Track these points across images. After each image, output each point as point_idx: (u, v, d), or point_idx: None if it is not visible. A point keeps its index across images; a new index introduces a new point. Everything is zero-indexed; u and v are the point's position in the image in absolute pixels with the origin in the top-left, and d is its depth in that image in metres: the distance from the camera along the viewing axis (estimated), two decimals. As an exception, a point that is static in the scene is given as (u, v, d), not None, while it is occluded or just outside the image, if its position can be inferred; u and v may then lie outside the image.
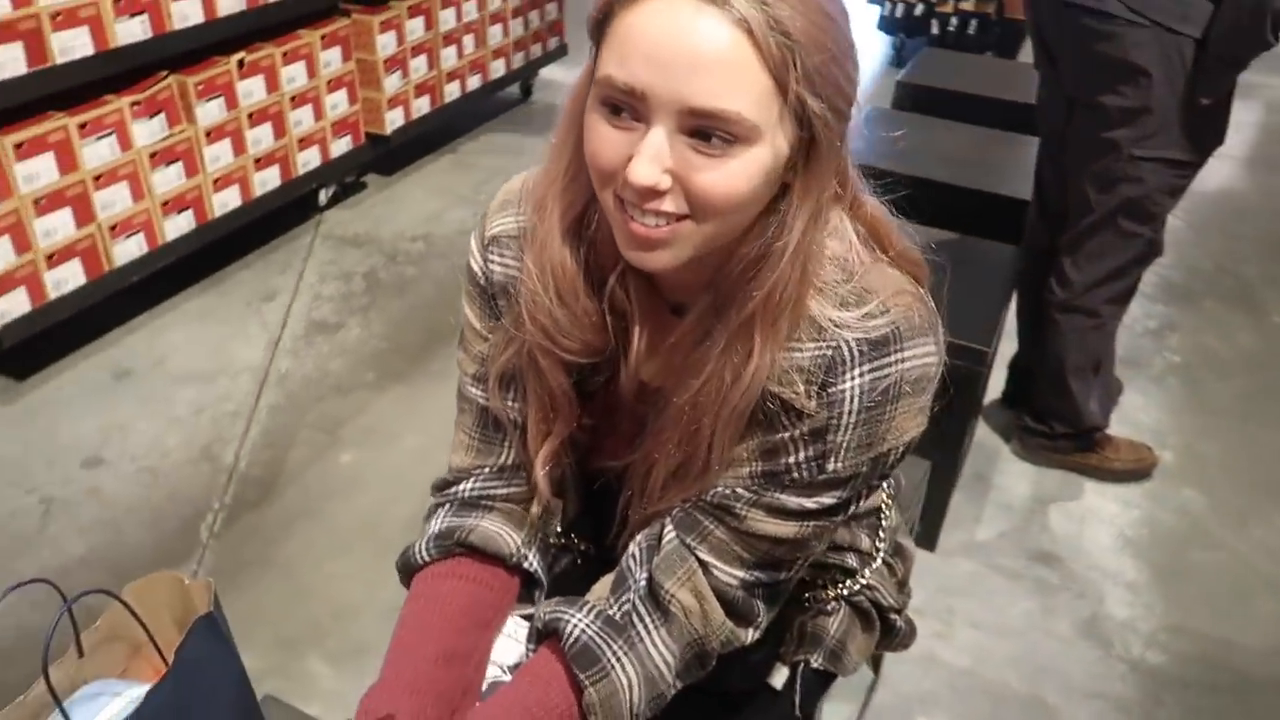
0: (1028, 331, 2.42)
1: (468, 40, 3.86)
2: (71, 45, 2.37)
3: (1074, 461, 2.37)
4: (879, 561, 1.12)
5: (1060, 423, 2.32)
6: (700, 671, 0.93)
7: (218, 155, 2.87)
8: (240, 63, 2.86)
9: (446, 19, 3.70)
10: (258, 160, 3.01)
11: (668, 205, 0.76)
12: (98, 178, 2.51)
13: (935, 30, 5.03)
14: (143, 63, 2.60)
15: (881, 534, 1.13)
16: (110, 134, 2.51)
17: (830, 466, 0.85)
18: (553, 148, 0.87)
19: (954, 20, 4.97)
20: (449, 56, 3.78)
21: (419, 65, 3.62)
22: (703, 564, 0.89)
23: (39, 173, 2.36)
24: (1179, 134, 1.94)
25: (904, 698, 1.82)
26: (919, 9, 5.06)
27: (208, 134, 2.81)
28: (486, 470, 1.01)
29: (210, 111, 2.80)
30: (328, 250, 3.26)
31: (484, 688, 0.98)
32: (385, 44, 3.42)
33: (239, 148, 2.93)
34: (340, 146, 3.35)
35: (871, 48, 5.43)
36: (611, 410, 0.97)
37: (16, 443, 2.35)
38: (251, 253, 3.18)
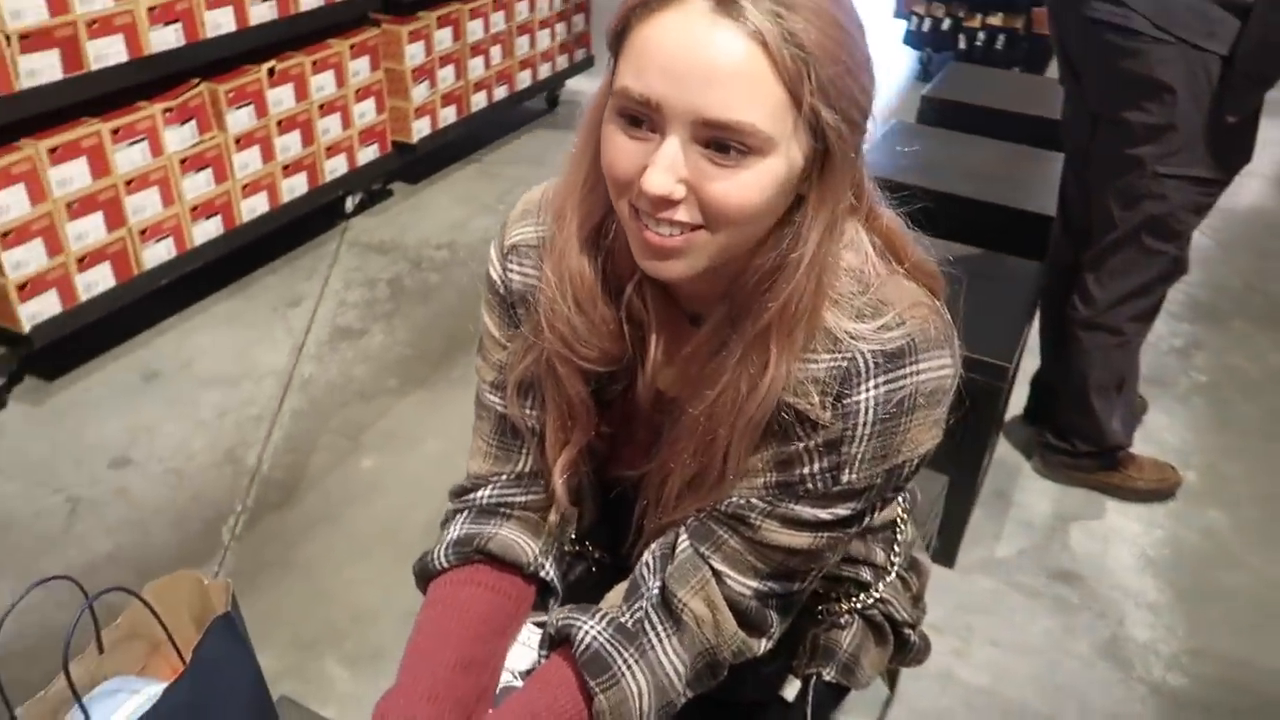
0: (1050, 348, 2.41)
1: (495, 51, 3.90)
2: (106, 52, 2.42)
3: (1096, 480, 2.35)
4: (893, 575, 1.12)
5: (1083, 440, 2.31)
6: (711, 681, 0.93)
7: (247, 162, 2.91)
8: (270, 71, 2.90)
9: (474, 30, 3.74)
10: (286, 167, 3.05)
11: (682, 215, 0.77)
12: (129, 183, 2.55)
13: (962, 45, 5.02)
14: (175, 70, 2.64)
15: (897, 548, 1.13)
16: (142, 140, 2.56)
17: (845, 478, 0.85)
18: (571, 158, 0.89)
19: (981, 35, 4.96)
20: (476, 67, 3.81)
21: (446, 75, 3.66)
22: (716, 573, 0.90)
23: (72, 177, 2.40)
24: (1204, 151, 1.92)
25: (920, 714, 1.81)
26: (946, 24, 5.05)
27: (237, 141, 2.85)
28: (504, 477, 1.02)
29: (240, 119, 2.84)
30: (353, 257, 3.29)
31: (496, 692, 0.98)
32: (413, 54, 3.46)
33: (268, 155, 2.97)
34: (367, 154, 3.39)
35: (897, 62, 5.42)
36: (629, 419, 0.98)
37: (45, 442, 2.39)
38: (278, 258, 3.22)
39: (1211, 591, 2.11)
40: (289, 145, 3.04)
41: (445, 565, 1.00)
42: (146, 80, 2.57)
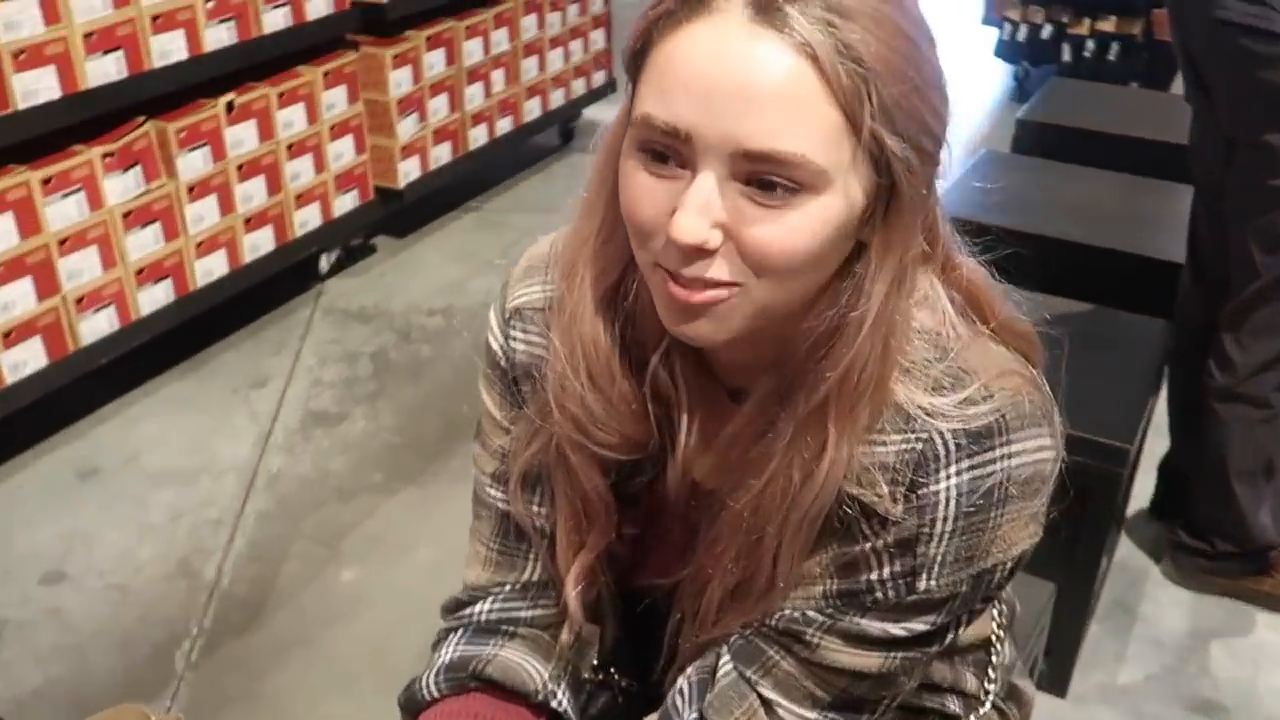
0: (1181, 425, 2.40)
1: (496, 76, 4.01)
2: (35, 88, 2.52)
3: (1241, 587, 2.33)
4: (988, 706, 1.12)
5: (1223, 539, 2.29)
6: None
7: (201, 215, 3.00)
8: (229, 106, 3.01)
9: (471, 51, 3.85)
10: (248, 220, 3.15)
11: (718, 268, 0.77)
12: (63, 242, 2.64)
13: (1067, 57, 5.08)
14: (117, 107, 2.75)
15: (992, 673, 1.13)
16: (78, 190, 2.65)
17: (921, 585, 0.86)
18: (583, 203, 0.91)
19: (1090, 44, 5.02)
20: (474, 96, 3.92)
21: (438, 106, 3.77)
22: (766, 702, 0.91)
23: (-3, 237, 2.50)
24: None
25: None
26: (1046, 31, 5.12)
27: (190, 190, 2.94)
28: (508, 588, 1.04)
29: (193, 163, 2.94)
30: (329, 326, 3.36)
31: None
32: (399, 82, 3.57)
33: (226, 206, 3.06)
34: (345, 203, 3.49)
35: (987, 79, 5.50)
36: (657, 517, 1.00)
37: (-35, 555, 2.45)
38: (240, 330, 3.29)
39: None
40: (252, 194, 3.14)
41: (436, 695, 1.02)
42: (83, 120, 2.67)
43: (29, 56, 2.49)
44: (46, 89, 2.55)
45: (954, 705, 1.10)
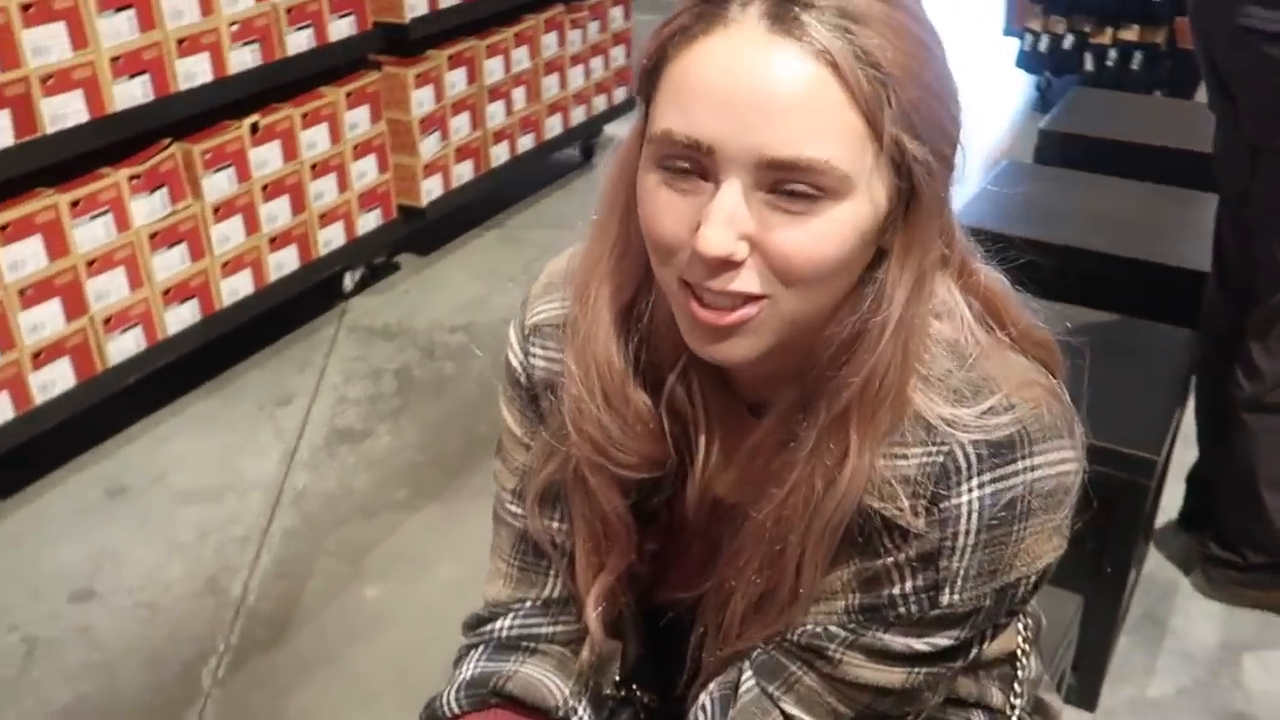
0: (1209, 436, 2.38)
1: (518, 94, 4.03)
2: (64, 112, 2.55)
3: (1273, 599, 2.31)
4: (1015, 721, 1.11)
5: (1254, 550, 2.27)
6: None
7: (227, 235, 3.02)
8: (254, 127, 3.04)
9: (493, 70, 3.87)
10: (273, 240, 3.17)
11: (745, 280, 0.77)
12: (90, 263, 2.67)
13: (1089, 66, 5.07)
14: (143, 130, 2.78)
15: (1018, 687, 1.12)
16: (105, 213, 2.68)
17: (944, 599, 0.86)
18: (595, 224, 0.91)
19: (1113, 53, 5.01)
20: (496, 114, 3.94)
21: (460, 125, 3.79)
22: (788, 718, 0.90)
23: (25, 259, 2.52)
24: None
25: None
26: (1068, 40, 5.11)
27: (215, 210, 2.97)
28: (528, 604, 1.05)
29: (218, 184, 2.97)
30: (353, 344, 3.38)
31: None
32: (421, 101, 3.59)
33: (251, 226, 3.09)
34: (368, 222, 3.51)
35: (1010, 89, 5.48)
36: (677, 533, 1.00)
37: (-3, 573, 2.48)
38: (265, 348, 3.32)
39: None
40: (276, 214, 3.16)
41: (457, 711, 1.02)
42: (110, 143, 2.70)
43: (57, 81, 2.52)
44: (75, 113, 2.58)
45: (980, 720, 1.09)
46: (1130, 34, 4.97)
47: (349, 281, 3.59)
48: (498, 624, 1.05)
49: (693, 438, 0.93)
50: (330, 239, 3.38)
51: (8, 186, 2.52)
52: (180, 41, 2.78)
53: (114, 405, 2.85)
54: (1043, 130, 3.12)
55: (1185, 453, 2.41)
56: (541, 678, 1.02)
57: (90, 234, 2.66)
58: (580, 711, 1.03)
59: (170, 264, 2.88)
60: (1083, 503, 0.88)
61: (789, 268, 0.77)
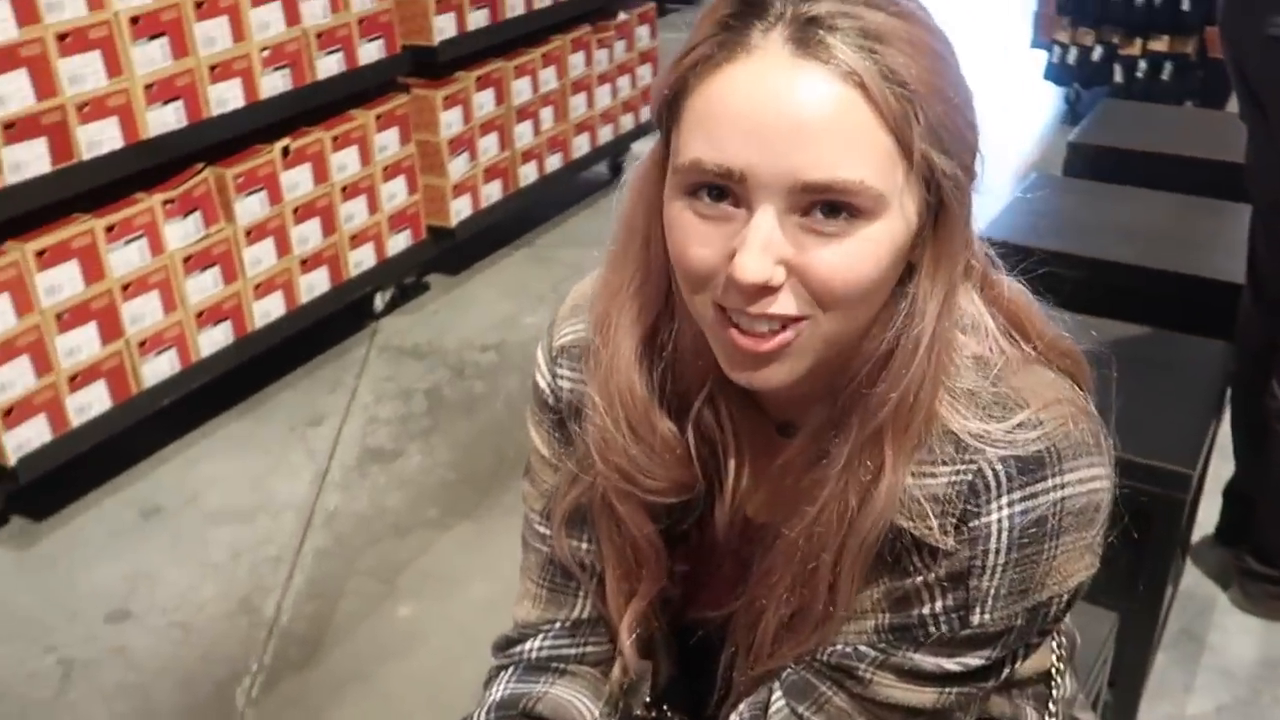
0: (1245, 449, 2.36)
1: (545, 114, 4.05)
2: (99, 139, 2.59)
3: (1315, 614, 2.28)
4: (1049, 740, 1.10)
5: (1294, 564, 2.24)
6: None
7: (259, 257, 3.05)
8: (285, 150, 3.07)
9: (520, 90, 3.90)
10: (304, 261, 3.20)
11: (783, 304, 0.77)
12: (126, 287, 2.70)
13: (1119, 78, 5.04)
14: (177, 155, 2.82)
15: (1052, 706, 1.11)
16: (140, 237, 2.71)
17: (975, 619, 0.85)
18: (612, 255, 0.92)
19: (1143, 64, 4.98)
20: (524, 134, 3.97)
21: (489, 145, 3.82)
22: (818, 739, 0.90)
23: (62, 283, 2.56)
24: None
25: None
26: (1097, 52, 5.08)
27: (248, 233, 3.00)
28: (557, 625, 1.05)
29: (251, 207, 3.00)
30: (384, 364, 3.40)
31: None
32: (449, 122, 3.62)
33: (283, 248, 3.12)
34: (398, 243, 3.53)
35: (1038, 101, 5.46)
36: (708, 553, 0.99)
37: (35, 594, 2.50)
38: (297, 369, 3.34)
39: None
40: (307, 236, 3.19)
41: (487, 733, 1.02)
42: (144, 168, 2.74)
43: (93, 109, 2.56)
44: (110, 139, 2.62)
45: (1013, 740, 1.07)
46: (1160, 44, 4.93)
47: (379, 302, 3.61)
48: (527, 645, 1.05)
49: (721, 460, 0.93)
50: (361, 260, 3.40)
51: (45, 212, 2.56)
52: (212, 68, 2.82)
53: (148, 427, 2.88)
54: (1072, 143, 3.10)
55: (1222, 466, 2.39)
56: (572, 699, 1.02)
57: (125, 258, 2.69)
58: (610, 732, 1.03)
59: (203, 287, 2.91)
60: (1114, 519, 0.87)
61: (828, 290, 0.77)
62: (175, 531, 2.69)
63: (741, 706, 0.95)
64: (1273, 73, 2.00)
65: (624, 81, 4.46)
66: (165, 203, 2.77)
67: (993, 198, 2.72)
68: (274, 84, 3.01)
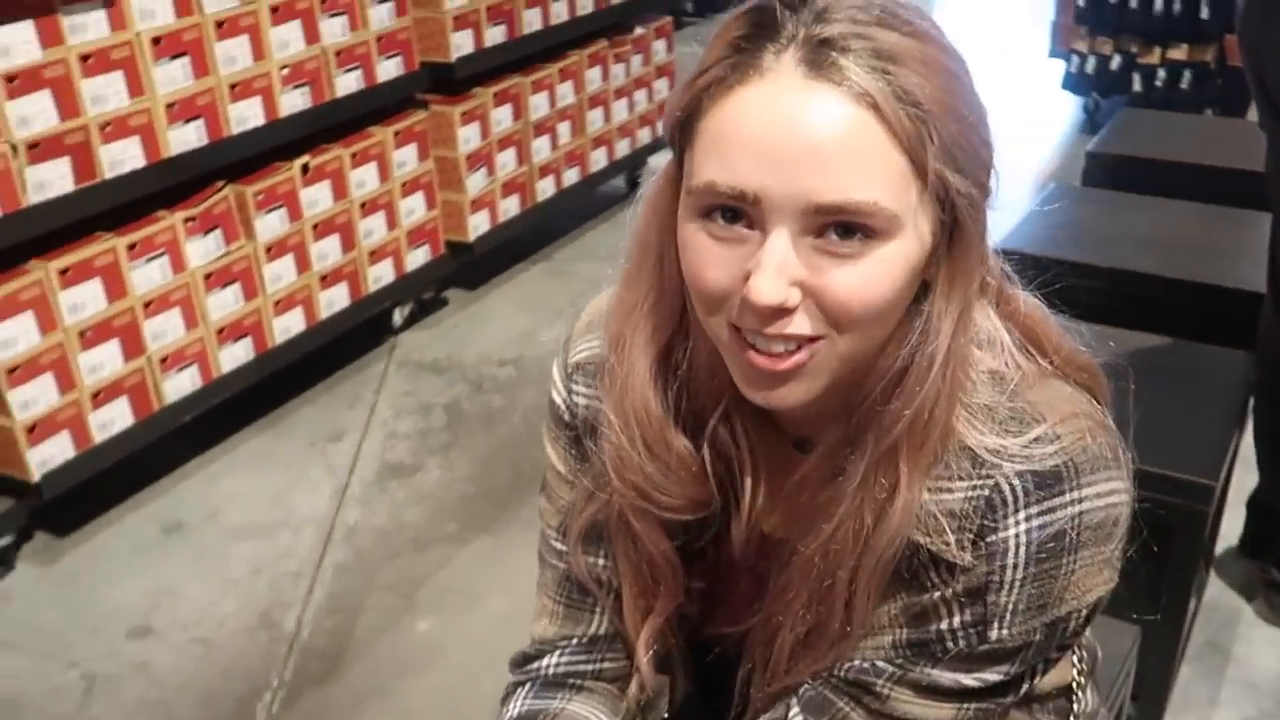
0: (1269, 459, 2.34)
1: (563, 129, 4.06)
2: (122, 158, 2.61)
3: (1342, 626, 2.26)
4: (1071, 755, 1.09)
5: (1320, 575, 2.22)
6: None
7: (279, 274, 3.07)
8: (304, 168, 3.09)
9: (538, 105, 3.91)
10: (324, 278, 3.21)
11: (799, 325, 0.78)
12: (148, 304, 2.72)
13: (1138, 87, 5.02)
14: (198, 173, 2.84)
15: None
16: (162, 255, 2.73)
17: (993, 634, 0.85)
18: (625, 274, 0.92)
19: (1161, 73, 4.96)
20: (541, 149, 3.98)
21: (506, 160, 3.83)
22: (836, 755, 0.90)
23: (85, 301, 2.58)
24: None
25: None
26: (1116, 61, 5.07)
27: (268, 250, 3.02)
28: (574, 642, 1.05)
29: (271, 224, 3.02)
30: (403, 379, 3.41)
31: None
32: (467, 138, 3.63)
33: (303, 264, 3.13)
34: (417, 258, 3.55)
35: (1057, 110, 5.44)
36: (724, 569, 0.99)
37: (58, 609, 2.51)
38: (316, 385, 3.36)
39: None
40: (327, 252, 3.21)
41: (505, 748, 1.02)
42: (166, 187, 2.76)
43: (115, 128, 2.58)
44: (132, 158, 2.64)
45: (1035, 755, 1.07)
46: (1179, 53, 4.91)
47: (398, 317, 3.63)
48: (544, 661, 1.05)
49: (737, 477, 0.93)
50: (380, 276, 3.42)
51: (68, 231, 2.58)
52: (233, 86, 2.84)
53: (170, 443, 2.89)
54: (1090, 152, 3.10)
55: (1245, 477, 2.37)
56: (588, 715, 1.02)
57: (147, 276, 2.71)
58: (627, 749, 1.02)
59: (224, 303, 2.93)
60: (1133, 532, 0.87)
61: (844, 310, 0.77)
62: (196, 547, 2.70)
63: (758, 723, 0.95)
64: (1291, 80, 1.99)
65: (641, 96, 4.47)
66: (186, 220, 2.79)
67: (1011, 208, 2.72)
68: (293, 102, 3.03)
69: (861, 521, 0.83)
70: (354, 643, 2.39)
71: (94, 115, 2.53)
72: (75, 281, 2.55)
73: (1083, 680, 1.12)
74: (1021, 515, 0.82)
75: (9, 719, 2.22)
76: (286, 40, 2.96)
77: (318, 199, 3.15)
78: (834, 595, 0.86)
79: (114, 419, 2.69)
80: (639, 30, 4.39)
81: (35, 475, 2.54)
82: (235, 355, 2.99)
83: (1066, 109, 5.46)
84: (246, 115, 2.90)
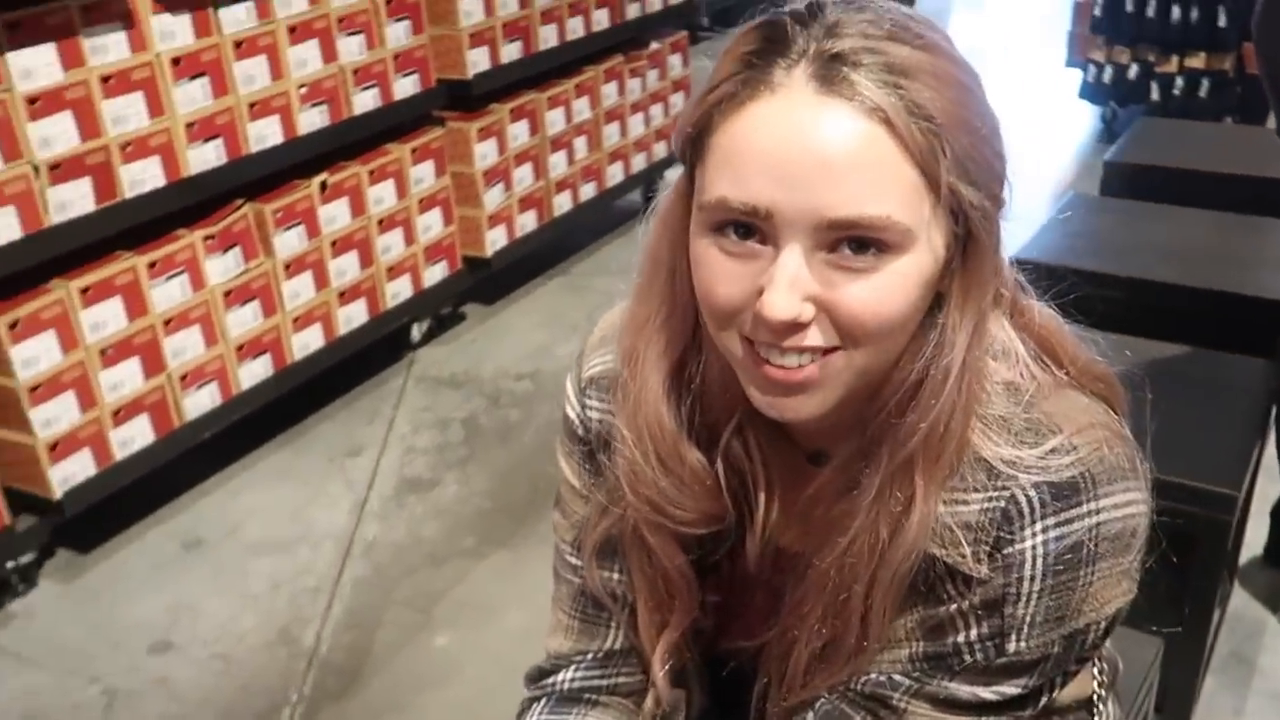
0: (1292, 468, 2.32)
1: (579, 143, 4.08)
2: (142, 177, 2.63)
3: (1370, 637, 2.23)
4: (1092, 769, 1.08)
5: (1346, 586, 2.20)
6: None
7: (298, 291, 3.08)
8: (323, 185, 3.10)
9: (554, 120, 3.92)
10: (342, 294, 3.23)
11: (813, 338, 0.77)
12: (168, 322, 2.74)
13: (1156, 96, 5.01)
14: (217, 192, 2.86)
15: (1095, 733, 1.09)
16: (181, 273, 2.75)
17: (1011, 647, 0.84)
18: (638, 287, 0.92)
19: (1179, 82, 4.94)
20: (558, 163, 3.99)
21: (523, 175, 3.84)
22: (853, 770, 0.89)
23: (106, 320, 2.59)
24: None
25: None
26: (1133, 71, 5.05)
27: (287, 267, 3.03)
28: (589, 657, 1.04)
29: (289, 242, 3.03)
30: (421, 394, 3.42)
31: None
32: (484, 154, 3.64)
33: (321, 281, 3.15)
34: (434, 274, 3.56)
35: (1075, 120, 5.43)
36: (739, 583, 0.99)
37: (79, 625, 2.52)
38: (335, 401, 3.36)
39: None
40: (345, 268, 3.22)
41: (521, 764, 1.02)
42: (185, 205, 2.78)
43: (135, 148, 2.60)
44: (152, 178, 2.66)
45: (1055, 769, 1.05)
46: (1197, 61, 4.90)
47: (416, 333, 3.64)
48: (560, 676, 1.05)
49: (751, 491, 0.93)
50: (398, 292, 3.43)
51: (89, 250, 2.60)
52: (251, 105, 2.86)
53: (190, 460, 2.91)
54: (1108, 162, 3.09)
55: (1269, 486, 2.36)
56: (603, 731, 1.02)
57: (167, 294, 2.73)
58: (643, 764, 1.02)
59: (243, 321, 2.94)
60: (1152, 543, 0.86)
61: (858, 324, 0.77)
62: (216, 563, 2.71)
63: (775, 737, 0.94)
64: (1310, 87, 1.98)
65: (657, 110, 4.48)
66: (206, 239, 2.81)
67: (1029, 219, 2.71)
68: (311, 120, 3.04)
69: (877, 535, 0.83)
70: (372, 658, 2.39)
71: (114, 135, 2.55)
72: (96, 300, 2.56)
73: (1104, 693, 1.11)
74: (1038, 527, 0.81)
75: (31, 736, 2.24)
76: (304, 59, 2.98)
77: (336, 216, 3.16)
78: (850, 609, 0.86)
79: (134, 436, 2.71)
80: (654, 45, 4.41)
81: (57, 492, 2.55)
82: (254, 372, 3.00)
83: (1084, 119, 5.45)
84: (265, 134, 2.92)
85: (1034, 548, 0.81)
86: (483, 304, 3.94)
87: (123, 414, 2.67)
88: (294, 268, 3.06)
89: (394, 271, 3.40)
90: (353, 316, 3.28)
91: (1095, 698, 1.10)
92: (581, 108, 4.05)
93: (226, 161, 2.83)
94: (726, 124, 0.77)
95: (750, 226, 0.77)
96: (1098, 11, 5.06)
